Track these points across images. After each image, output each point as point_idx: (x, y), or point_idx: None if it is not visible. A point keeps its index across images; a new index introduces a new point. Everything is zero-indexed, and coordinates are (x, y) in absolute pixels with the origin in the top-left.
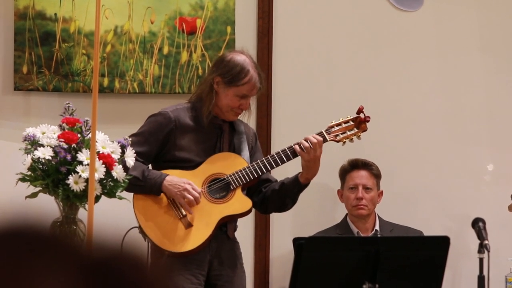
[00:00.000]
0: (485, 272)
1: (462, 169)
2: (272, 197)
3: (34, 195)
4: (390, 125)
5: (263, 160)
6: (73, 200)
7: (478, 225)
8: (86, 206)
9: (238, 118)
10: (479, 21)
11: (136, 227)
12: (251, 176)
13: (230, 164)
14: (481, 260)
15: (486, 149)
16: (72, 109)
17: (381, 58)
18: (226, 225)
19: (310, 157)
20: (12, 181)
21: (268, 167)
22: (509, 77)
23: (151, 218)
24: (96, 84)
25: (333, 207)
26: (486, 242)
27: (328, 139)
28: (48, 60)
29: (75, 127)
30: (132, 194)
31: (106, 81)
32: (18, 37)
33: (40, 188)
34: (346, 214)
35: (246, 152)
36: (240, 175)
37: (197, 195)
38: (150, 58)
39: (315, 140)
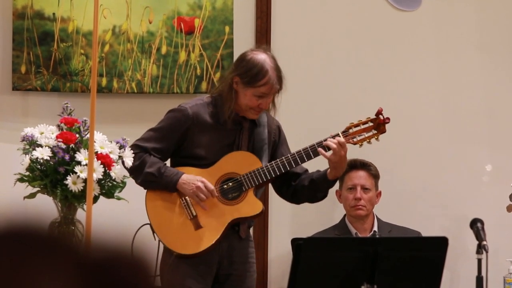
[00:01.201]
0: (483, 273)
1: (460, 169)
2: (302, 191)
3: (32, 195)
4: (388, 125)
5: (277, 162)
6: (71, 201)
7: (476, 225)
8: (85, 206)
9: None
10: (478, 20)
11: (145, 224)
12: (264, 177)
13: (245, 163)
14: (479, 261)
15: (484, 149)
16: (70, 109)
17: (379, 57)
18: (239, 224)
19: (336, 159)
20: (10, 182)
21: (282, 169)
22: (507, 76)
23: (162, 218)
24: (95, 84)
25: (332, 208)
26: (484, 242)
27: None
28: (47, 60)
29: (73, 127)
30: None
31: (104, 81)
32: (16, 36)
33: (39, 189)
34: (345, 215)
35: (265, 149)
36: (253, 176)
37: (209, 193)
38: (148, 58)
39: (334, 146)
